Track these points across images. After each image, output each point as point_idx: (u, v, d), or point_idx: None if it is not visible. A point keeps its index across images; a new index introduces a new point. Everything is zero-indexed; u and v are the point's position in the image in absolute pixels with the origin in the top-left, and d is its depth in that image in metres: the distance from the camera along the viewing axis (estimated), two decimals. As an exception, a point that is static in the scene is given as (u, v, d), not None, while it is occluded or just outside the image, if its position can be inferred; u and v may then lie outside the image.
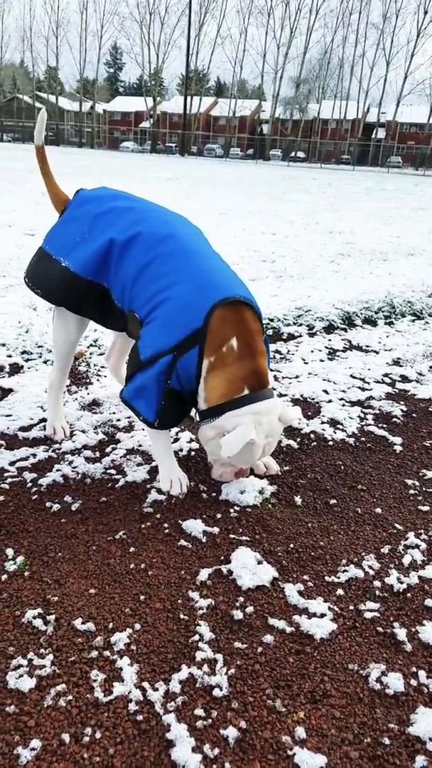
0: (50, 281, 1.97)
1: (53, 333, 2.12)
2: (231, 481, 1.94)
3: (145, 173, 17.67)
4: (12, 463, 1.99)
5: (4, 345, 2.98)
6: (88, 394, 2.58)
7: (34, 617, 1.35)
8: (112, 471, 2.00)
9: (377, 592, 1.54)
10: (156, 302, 1.80)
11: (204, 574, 1.54)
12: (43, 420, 2.26)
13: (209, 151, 54.51)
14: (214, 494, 1.91)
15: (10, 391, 2.53)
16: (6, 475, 1.92)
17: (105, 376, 2.77)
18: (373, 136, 57.35)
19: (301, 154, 55.73)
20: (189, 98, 49.57)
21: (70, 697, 1.17)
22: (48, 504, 1.78)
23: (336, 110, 59.43)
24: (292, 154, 53.26)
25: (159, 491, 1.90)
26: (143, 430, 2.27)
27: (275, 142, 58.57)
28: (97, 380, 2.74)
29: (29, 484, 1.88)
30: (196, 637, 1.35)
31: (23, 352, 2.95)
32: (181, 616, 1.40)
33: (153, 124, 57.42)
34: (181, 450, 2.16)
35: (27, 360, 2.87)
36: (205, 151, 54.51)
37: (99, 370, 2.86)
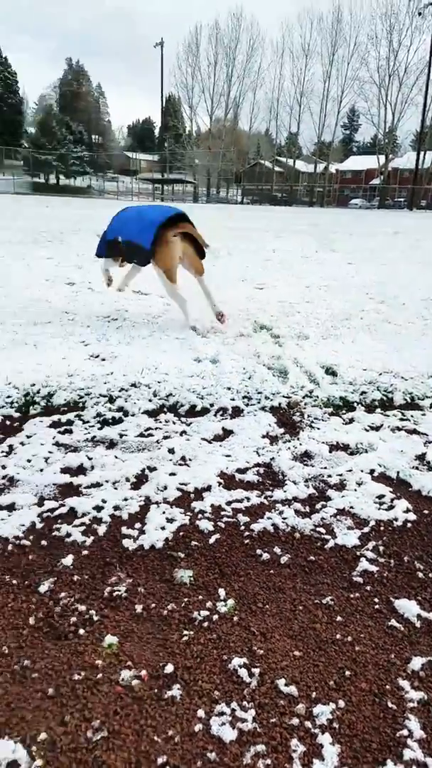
0: None
1: None
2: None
3: (371, 228, 17.67)
4: (228, 503, 2.06)
5: (229, 389, 3.16)
6: (300, 444, 2.58)
7: (240, 666, 1.35)
8: (321, 530, 1.96)
9: None
10: None
11: (417, 663, 1.41)
12: (258, 465, 2.31)
13: (440, 205, 52.61)
14: (431, 574, 1.76)
15: (231, 432, 2.65)
16: (222, 513, 2.00)
17: (319, 429, 2.76)
18: None
19: None
20: (422, 153, 48.77)
21: (268, 761, 1.14)
22: (258, 551, 1.81)
23: None
24: None
25: (371, 561, 1.80)
26: (355, 490, 2.20)
27: None
28: (310, 431, 2.74)
29: (242, 527, 1.93)
30: (405, 732, 1.22)
31: (244, 397, 3.08)
32: (389, 704, 1.29)
33: (383, 180, 57.51)
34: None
35: (247, 404, 2.99)
36: (436, 205, 52.73)
37: (312, 422, 2.86)
